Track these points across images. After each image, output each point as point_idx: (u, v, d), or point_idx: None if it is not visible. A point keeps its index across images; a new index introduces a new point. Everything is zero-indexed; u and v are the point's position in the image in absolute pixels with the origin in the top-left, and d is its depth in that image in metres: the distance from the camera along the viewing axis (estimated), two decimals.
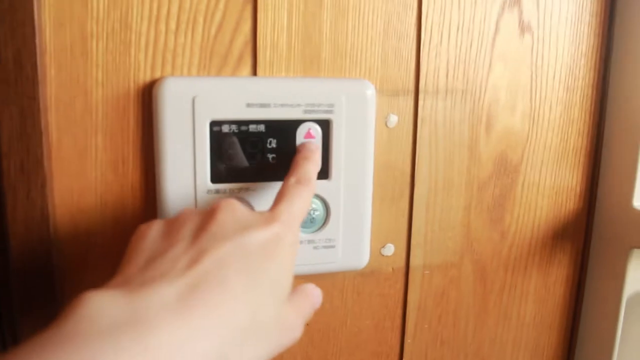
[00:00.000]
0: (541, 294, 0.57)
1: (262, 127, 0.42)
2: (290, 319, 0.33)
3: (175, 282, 0.28)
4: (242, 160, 0.42)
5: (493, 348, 0.57)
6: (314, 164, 0.41)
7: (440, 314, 0.54)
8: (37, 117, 0.39)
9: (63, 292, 0.43)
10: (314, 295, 0.37)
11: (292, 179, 0.38)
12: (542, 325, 0.58)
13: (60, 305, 0.43)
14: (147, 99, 0.42)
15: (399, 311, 0.53)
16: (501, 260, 0.55)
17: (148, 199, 0.43)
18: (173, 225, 0.33)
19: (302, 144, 0.43)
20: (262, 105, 0.42)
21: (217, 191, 0.42)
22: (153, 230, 0.33)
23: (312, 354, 0.51)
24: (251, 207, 0.42)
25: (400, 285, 0.52)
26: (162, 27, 0.41)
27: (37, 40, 0.39)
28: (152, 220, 0.35)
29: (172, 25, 0.41)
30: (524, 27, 0.50)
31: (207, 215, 0.33)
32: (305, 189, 0.37)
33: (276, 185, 0.43)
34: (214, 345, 0.26)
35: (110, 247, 0.43)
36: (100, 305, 0.25)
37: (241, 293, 0.29)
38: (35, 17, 0.38)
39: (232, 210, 0.34)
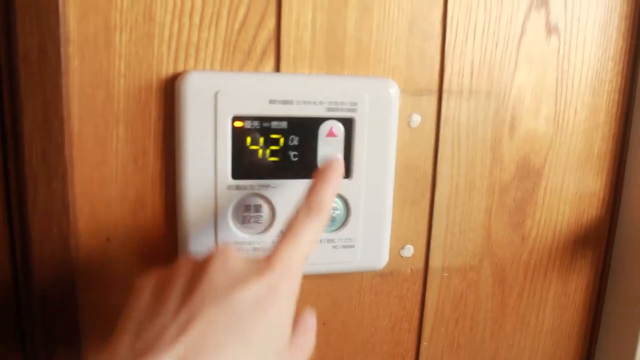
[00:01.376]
0: (560, 300, 0.56)
1: (284, 124, 0.42)
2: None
3: (165, 356, 0.27)
4: (263, 157, 0.42)
5: (510, 354, 0.56)
6: (333, 187, 0.37)
7: (458, 317, 0.53)
8: (59, 106, 0.39)
9: (83, 283, 0.43)
10: (312, 329, 0.36)
11: (304, 209, 0.35)
12: (560, 333, 0.57)
13: (78, 292, 0.42)
14: (169, 92, 0.41)
15: (416, 313, 0.52)
16: (521, 265, 0.54)
17: (168, 192, 0.43)
18: (164, 281, 0.32)
19: (326, 162, 0.39)
20: (285, 102, 0.41)
21: (238, 187, 0.42)
22: (146, 289, 0.32)
23: (326, 353, 0.50)
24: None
25: (418, 287, 0.51)
26: (186, 20, 0.41)
27: (61, 30, 0.39)
28: (150, 272, 0.34)
29: (196, 19, 0.41)
30: (550, 29, 0.49)
31: (198, 269, 0.32)
32: (315, 220, 0.34)
33: (297, 183, 0.43)
34: None
35: (130, 238, 0.43)
36: None
37: (239, 356, 0.28)
38: (60, 6, 0.38)
39: (225, 262, 0.32)
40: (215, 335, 0.28)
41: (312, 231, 0.34)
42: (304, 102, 0.42)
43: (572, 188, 0.53)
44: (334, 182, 0.37)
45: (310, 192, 0.36)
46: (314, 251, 0.35)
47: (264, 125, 0.42)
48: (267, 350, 0.30)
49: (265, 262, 0.32)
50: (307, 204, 0.35)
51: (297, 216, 0.35)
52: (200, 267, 0.32)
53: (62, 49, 0.39)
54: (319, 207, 0.35)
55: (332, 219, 0.44)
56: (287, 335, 0.32)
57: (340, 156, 0.43)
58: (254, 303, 0.30)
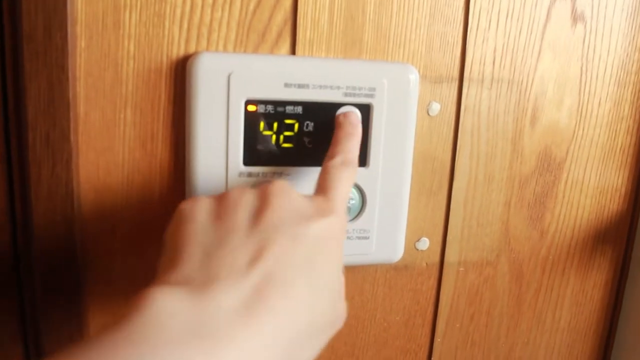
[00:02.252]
0: (578, 298, 0.55)
1: (299, 109, 0.40)
2: (340, 309, 0.32)
3: (240, 284, 0.26)
4: (277, 143, 0.40)
5: (525, 351, 0.55)
6: (357, 140, 0.38)
7: (473, 313, 0.52)
8: (65, 88, 0.37)
9: (86, 271, 0.41)
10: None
11: (337, 159, 0.35)
12: (577, 331, 0.56)
13: (83, 284, 0.41)
14: (180, 74, 0.40)
15: (431, 308, 0.50)
16: (539, 261, 0.52)
17: (177, 178, 0.41)
18: (224, 206, 0.31)
19: (344, 115, 0.40)
20: (301, 86, 0.40)
21: (250, 174, 0.40)
22: (201, 212, 0.31)
23: (338, 347, 0.49)
24: None
25: (433, 282, 0.50)
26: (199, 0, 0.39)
27: (68, 10, 0.37)
28: (194, 198, 0.32)
29: None
30: (576, 17, 0.47)
31: (261, 199, 0.31)
32: (351, 172, 0.35)
33: (312, 171, 0.41)
34: (280, 351, 0.26)
35: (136, 225, 0.42)
36: (167, 308, 0.24)
37: (303, 294, 0.28)
38: None
39: (288, 196, 0.31)
40: (287, 267, 0.28)
41: (349, 182, 0.35)
42: (320, 87, 0.40)
43: (594, 182, 0.51)
44: (358, 134, 0.39)
45: (339, 145, 0.37)
46: None
47: (278, 110, 0.40)
48: (325, 292, 0.30)
49: (323, 202, 0.32)
50: (340, 156, 0.36)
51: (332, 166, 0.35)
52: (262, 197, 0.31)
53: (68, 29, 0.37)
54: (351, 159, 0.36)
55: (347, 209, 0.42)
56: (341, 279, 0.32)
57: (357, 111, 0.41)
58: (320, 240, 0.30)
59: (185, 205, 0.32)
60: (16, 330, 0.41)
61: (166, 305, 0.24)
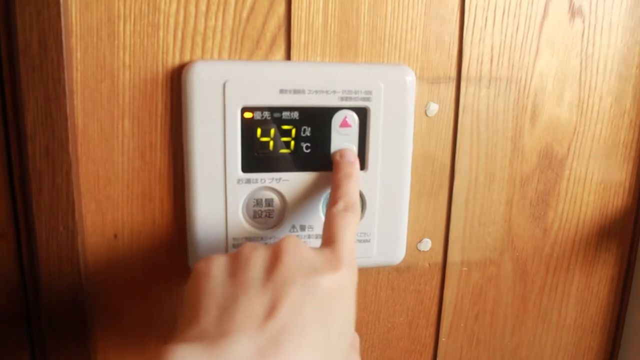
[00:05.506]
0: (584, 295, 0.54)
1: (295, 115, 0.40)
2: (354, 358, 0.33)
3: (256, 335, 0.27)
4: (274, 149, 0.40)
5: (531, 350, 0.54)
6: (356, 180, 0.39)
7: (478, 312, 0.52)
8: (62, 101, 0.38)
9: (90, 281, 0.42)
10: (357, 336, 0.37)
11: (339, 205, 0.36)
12: (583, 328, 0.55)
13: (87, 293, 0.41)
14: (175, 83, 0.40)
15: (434, 308, 0.50)
16: (543, 259, 0.52)
17: (176, 187, 0.42)
18: (238, 263, 0.32)
19: (340, 154, 0.41)
20: (296, 92, 0.40)
21: (248, 180, 0.40)
22: (216, 269, 0.32)
23: None
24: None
25: (436, 282, 0.50)
26: (192, 8, 0.39)
27: (62, 22, 0.37)
28: (209, 257, 0.33)
29: (202, 7, 0.39)
30: (574, 11, 0.47)
31: (272, 254, 0.32)
32: (354, 216, 0.36)
33: (310, 176, 0.41)
34: None
35: (138, 235, 0.42)
36: None
37: (316, 344, 0.28)
38: None
39: (298, 251, 0.32)
40: (301, 317, 0.29)
41: (354, 228, 0.36)
42: (316, 92, 0.40)
43: (597, 178, 0.51)
44: (357, 175, 0.40)
45: (339, 189, 0.38)
46: None
47: (274, 116, 0.40)
48: (338, 342, 0.30)
49: (332, 254, 0.33)
50: (342, 201, 0.37)
51: (336, 214, 0.36)
52: (274, 252, 0.32)
53: (63, 42, 0.37)
54: (353, 203, 0.37)
55: None
56: (353, 330, 0.33)
57: (353, 147, 0.42)
58: (331, 293, 0.31)
59: (201, 264, 0.33)
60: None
61: None
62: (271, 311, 0.28)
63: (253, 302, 0.29)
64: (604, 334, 0.56)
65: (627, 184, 0.52)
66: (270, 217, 0.42)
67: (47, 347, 0.42)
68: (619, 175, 0.52)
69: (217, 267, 0.32)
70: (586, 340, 0.56)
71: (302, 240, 0.34)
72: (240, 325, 0.27)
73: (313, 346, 0.28)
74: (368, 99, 0.41)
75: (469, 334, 0.52)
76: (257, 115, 0.40)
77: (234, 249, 0.41)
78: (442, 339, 0.51)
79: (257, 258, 0.32)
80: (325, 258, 0.33)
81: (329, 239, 0.34)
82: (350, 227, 0.35)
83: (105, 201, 0.41)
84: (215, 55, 0.40)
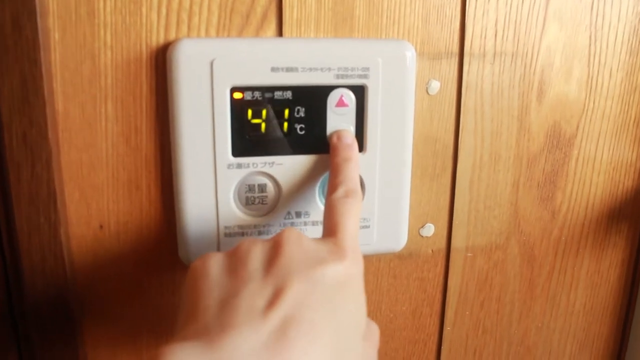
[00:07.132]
0: (593, 279, 0.52)
1: (288, 94, 0.38)
2: (369, 354, 0.31)
3: (259, 328, 0.26)
4: (266, 131, 0.38)
5: (539, 337, 0.53)
6: (355, 163, 0.38)
7: (483, 300, 0.50)
8: (39, 84, 0.35)
9: (76, 273, 0.40)
10: (376, 327, 0.35)
11: (340, 191, 0.35)
12: (592, 313, 0.54)
13: (71, 286, 0.39)
14: (161, 63, 0.38)
15: (439, 296, 0.48)
16: (551, 242, 0.50)
17: (164, 173, 0.40)
18: (236, 258, 0.31)
19: (337, 136, 0.39)
20: (289, 70, 0.37)
21: (239, 165, 0.38)
22: (214, 267, 0.31)
23: None
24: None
25: (440, 269, 0.48)
26: None
27: (36, 0, 0.35)
28: (206, 254, 0.32)
29: None
30: None
31: (272, 247, 0.31)
32: (356, 202, 0.34)
33: (305, 159, 0.39)
34: None
35: (125, 224, 0.40)
36: None
37: (328, 337, 0.27)
38: None
39: (299, 242, 0.31)
40: (306, 309, 0.27)
41: (357, 214, 0.34)
42: (310, 69, 0.38)
43: (607, 158, 0.49)
44: (356, 158, 0.38)
45: (339, 174, 0.36)
46: None
47: (266, 96, 0.38)
48: (350, 334, 0.29)
49: (335, 245, 0.32)
50: (343, 187, 0.35)
51: (336, 200, 0.34)
52: (273, 245, 0.31)
53: (39, 21, 0.35)
54: (354, 189, 0.35)
55: None
56: (365, 322, 0.31)
57: (351, 128, 0.40)
58: (338, 283, 0.30)
59: (197, 262, 0.31)
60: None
61: None
62: (273, 301, 0.27)
63: (254, 295, 0.28)
64: (614, 319, 0.54)
65: (639, 164, 0.50)
66: (263, 203, 0.40)
67: (34, 346, 0.40)
68: (630, 154, 0.49)
69: (215, 264, 0.31)
70: (596, 325, 0.54)
71: (302, 233, 0.32)
72: (241, 319, 0.26)
73: (323, 341, 0.27)
74: (365, 77, 0.39)
75: (474, 322, 0.50)
76: (248, 96, 0.37)
77: (225, 238, 0.40)
78: (447, 327, 0.50)
79: (257, 252, 0.31)
80: (329, 248, 0.31)
81: (330, 228, 0.33)
82: (352, 215, 0.34)
83: (90, 189, 0.39)
84: (203, 32, 0.38)
